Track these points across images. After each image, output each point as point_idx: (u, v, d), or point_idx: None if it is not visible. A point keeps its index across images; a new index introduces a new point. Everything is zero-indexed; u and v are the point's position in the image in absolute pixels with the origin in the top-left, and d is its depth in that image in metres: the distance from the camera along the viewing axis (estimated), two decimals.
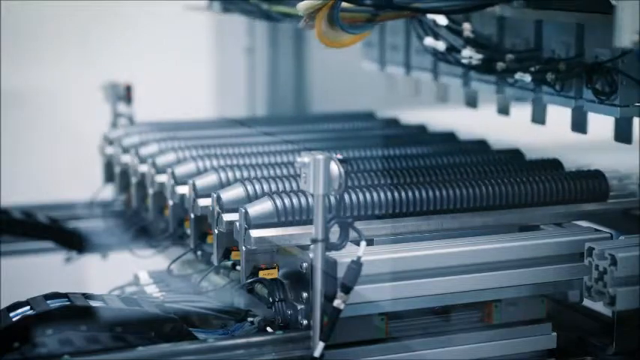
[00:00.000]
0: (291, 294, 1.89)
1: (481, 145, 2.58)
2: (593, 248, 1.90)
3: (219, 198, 2.00)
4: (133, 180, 2.48)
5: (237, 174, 2.14)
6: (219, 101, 3.82)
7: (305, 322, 1.83)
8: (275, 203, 1.93)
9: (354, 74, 3.56)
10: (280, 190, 2.03)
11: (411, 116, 3.22)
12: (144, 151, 2.46)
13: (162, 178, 2.31)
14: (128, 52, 3.67)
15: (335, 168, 1.74)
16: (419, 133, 2.79)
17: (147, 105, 2.93)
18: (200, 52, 3.83)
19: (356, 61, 3.05)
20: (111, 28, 3.69)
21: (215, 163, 2.25)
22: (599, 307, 1.99)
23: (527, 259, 1.94)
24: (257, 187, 2.03)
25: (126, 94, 2.91)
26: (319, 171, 1.73)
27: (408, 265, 1.86)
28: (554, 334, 2.01)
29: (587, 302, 2.00)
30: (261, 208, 1.93)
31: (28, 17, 3.61)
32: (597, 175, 2.23)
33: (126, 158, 2.55)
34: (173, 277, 2.27)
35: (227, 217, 1.97)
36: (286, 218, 1.93)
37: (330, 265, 1.78)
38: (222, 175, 2.14)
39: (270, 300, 1.90)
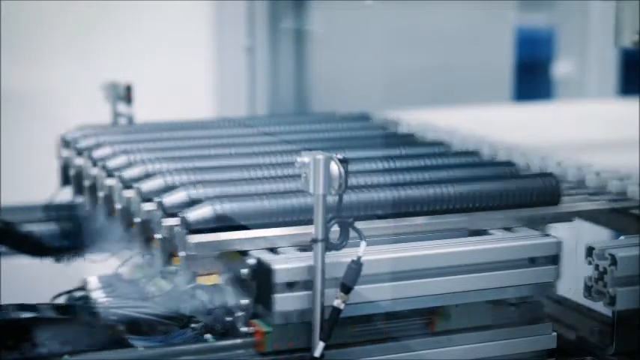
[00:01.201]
0: (232, 300, 1.85)
1: (438, 147, 2.49)
2: (593, 248, 1.90)
3: (160, 203, 1.96)
4: (86, 183, 2.41)
5: (185, 177, 2.08)
6: (220, 101, 3.82)
7: (244, 329, 1.80)
8: (215, 208, 1.88)
9: (355, 74, 3.58)
10: (227, 194, 1.97)
11: (411, 116, 3.22)
12: (96, 153, 2.39)
13: (111, 182, 2.24)
14: (129, 52, 3.67)
15: (335, 168, 1.74)
16: (382, 135, 2.70)
17: (147, 105, 2.93)
18: (200, 51, 3.83)
19: (357, 61, 3.05)
20: (111, 27, 3.69)
21: (165, 166, 2.18)
22: (599, 306, 1.99)
23: (474, 265, 1.89)
24: (201, 191, 1.97)
25: (126, 94, 2.91)
26: (319, 171, 1.73)
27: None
28: (555, 334, 2.00)
29: (586, 302, 2.00)
30: (200, 213, 1.88)
31: (27, 16, 3.61)
32: (548, 177, 2.15)
33: (80, 161, 2.48)
34: (123, 282, 2.22)
35: (168, 222, 1.92)
36: (228, 223, 1.88)
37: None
38: (169, 178, 2.07)
39: (210, 306, 1.87)
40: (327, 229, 1.74)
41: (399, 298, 1.84)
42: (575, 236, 2.12)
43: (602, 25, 4.31)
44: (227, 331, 1.85)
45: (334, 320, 1.73)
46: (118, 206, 2.17)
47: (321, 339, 1.72)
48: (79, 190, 2.51)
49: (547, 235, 1.97)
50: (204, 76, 3.84)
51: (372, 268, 1.79)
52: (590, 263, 1.91)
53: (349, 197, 1.94)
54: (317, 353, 1.72)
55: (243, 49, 3.74)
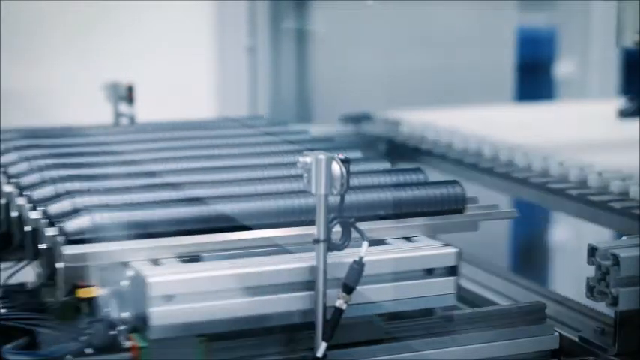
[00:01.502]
0: (113, 313, 1.77)
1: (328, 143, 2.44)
2: (596, 248, 1.89)
3: (45, 211, 1.90)
4: None
5: (78, 185, 2.02)
6: (221, 101, 3.82)
7: (127, 343, 1.74)
8: (93, 218, 1.81)
9: (357, 74, 3.57)
10: (113, 202, 1.91)
11: (413, 116, 3.22)
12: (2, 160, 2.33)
13: (9, 189, 2.17)
14: (129, 52, 3.67)
15: (337, 168, 1.74)
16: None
17: (149, 105, 2.93)
18: (201, 51, 3.83)
19: (358, 61, 3.04)
20: (112, 27, 3.69)
21: (63, 173, 2.11)
22: (601, 307, 1.99)
23: (366, 277, 1.78)
24: (87, 199, 1.91)
25: (127, 94, 2.91)
26: (321, 171, 1.73)
27: (239, 282, 1.74)
28: (557, 334, 2.00)
29: (589, 302, 2.00)
30: (78, 223, 1.81)
31: (27, 16, 3.61)
32: (453, 185, 2.05)
33: None
34: (23, 293, 2.11)
35: (50, 231, 1.84)
36: (108, 233, 1.81)
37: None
38: (60, 186, 2.01)
39: (91, 320, 1.80)
40: (329, 230, 1.74)
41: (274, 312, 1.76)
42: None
43: (603, 25, 4.31)
44: (108, 345, 1.77)
45: (337, 320, 1.73)
46: (15, 214, 2.07)
47: (323, 339, 1.72)
48: None
49: (446, 245, 1.90)
50: (205, 76, 3.84)
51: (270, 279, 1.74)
52: (592, 263, 1.90)
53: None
54: (319, 353, 1.72)
55: (245, 49, 3.74)
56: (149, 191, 1.98)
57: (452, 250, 1.89)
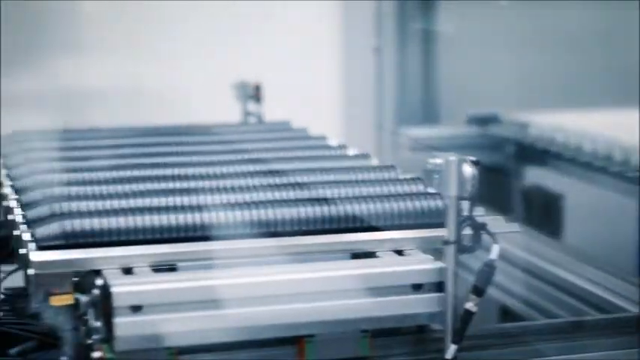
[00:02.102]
0: (89, 322, 1.70)
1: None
2: None
3: (24, 216, 1.83)
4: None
5: (73, 190, 1.96)
6: (347, 101, 3.83)
7: (97, 354, 1.66)
8: (64, 224, 1.74)
9: (486, 75, 3.54)
10: (91, 208, 1.84)
11: (542, 118, 3.18)
12: (8, 162, 2.31)
13: (8, 191, 2.11)
14: (258, 51, 3.71)
15: (468, 170, 1.72)
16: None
17: (275, 104, 2.96)
18: (328, 51, 3.84)
19: (486, 61, 3.01)
20: (242, 28, 3.73)
21: (60, 177, 2.07)
22: None
23: (347, 291, 1.69)
24: (65, 205, 1.83)
25: (255, 93, 2.94)
26: (451, 173, 1.72)
27: (209, 294, 1.64)
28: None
29: None
30: (48, 229, 1.75)
31: (164, 17, 3.67)
32: (435, 198, 1.91)
33: None
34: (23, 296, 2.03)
35: (25, 236, 1.77)
36: (80, 240, 1.74)
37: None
38: (48, 191, 1.95)
39: (64, 329, 1.75)
40: (459, 232, 1.73)
41: (263, 324, 1.66)
42: None
43: None
44: (79, 355, 1.74)
45: (466, 323, 1.71)
46: (10, 217, 2.01)
47: (453, 342, 1.71)
48: None
49: (431, 260, 1.76)
50: (331, 76, 3.85)
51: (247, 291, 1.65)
52: None
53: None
54: (449, 355, 1.71)
55: (371, 49, 3.74)
56: (134, 197, 1.91)
57: (437, 265, 1.73)
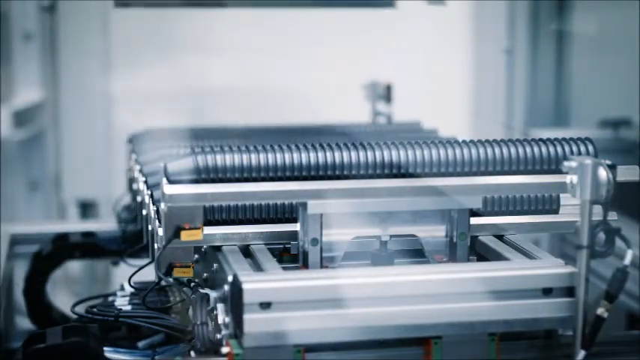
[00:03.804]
0: (217, 316, 1.71)
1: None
2: None
3: (165, 168, 1.77)
4: (134, 186, 2.36)
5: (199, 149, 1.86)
6: (477, 102, 3.80)
7: (225, 349, 1.65)
8: (196, 159, 1.74)
9: (623, 78, 3.47)
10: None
11: None
12: (141, 158, 2.34)
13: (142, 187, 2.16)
14: (390, 52, 3.71)
15: (603, 173, 1.70)
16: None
17: (405, 105, 2.96)
18: (459, 52, 3.83)
19: (626, 64, 2.95)
20: (374, 29, 3.74)
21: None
22: None
23: (478, 293, 1.69)
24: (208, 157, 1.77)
25: (386, 93, 2.95)
26: (587, 176, 1.69)
27: (337, 293, 1.64)
28: None
29: None
30: (181, 163, 1.74)
31: (299, 20, 3.72)
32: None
33: (132, 163, 2.44)
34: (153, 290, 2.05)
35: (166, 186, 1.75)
36: (209, 175, 1.73)
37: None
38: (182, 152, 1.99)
39: (195, 321, 1.75)
40: (593, 236, 1.70)
41: (391, 325, 1.66)
42: None
43: None
44: (208, 349, 1.73)
45: (597, 329, 1.69)
46: (144, 212, 2.05)
47: (582, 347, 1.69)
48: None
49: (562, 264, 1.75)
50: (462, 77, 3.83)
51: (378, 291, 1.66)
52: None
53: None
54: None
55: (503, 50, 3.71)
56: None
57: (568, 269, 1.72)
